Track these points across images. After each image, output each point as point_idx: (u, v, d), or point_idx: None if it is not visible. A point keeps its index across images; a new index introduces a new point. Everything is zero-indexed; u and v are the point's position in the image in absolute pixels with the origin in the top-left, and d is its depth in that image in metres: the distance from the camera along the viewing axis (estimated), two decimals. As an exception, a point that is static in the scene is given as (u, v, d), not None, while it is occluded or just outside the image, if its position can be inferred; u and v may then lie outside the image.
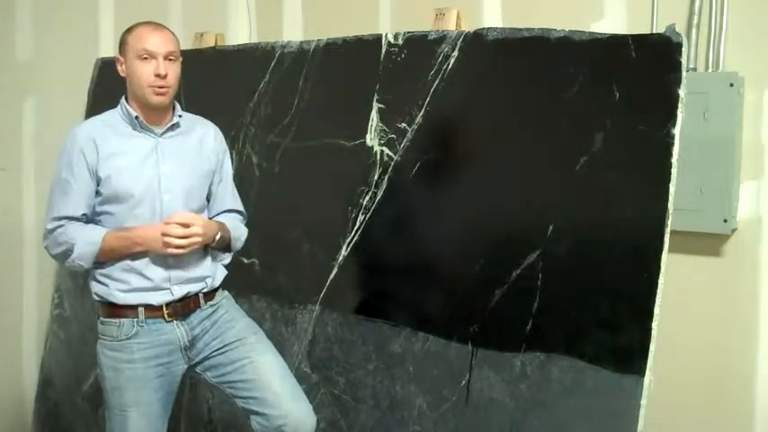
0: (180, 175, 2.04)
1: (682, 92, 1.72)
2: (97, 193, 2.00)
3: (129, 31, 2.04)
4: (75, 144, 1.99)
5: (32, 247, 3.12)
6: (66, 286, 3.04)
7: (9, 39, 3.04)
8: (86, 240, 1.97)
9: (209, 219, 2.13)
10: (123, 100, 2.06)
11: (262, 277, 2.50)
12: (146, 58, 1.97)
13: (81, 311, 2.95)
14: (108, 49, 3.16)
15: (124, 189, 1.98)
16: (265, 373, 2.06)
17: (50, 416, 3.08)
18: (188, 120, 2.12)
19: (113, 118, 2.06)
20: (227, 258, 2.17)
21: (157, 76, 1.97)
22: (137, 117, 2.01)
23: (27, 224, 3.09)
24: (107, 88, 3.07)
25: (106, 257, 1.99)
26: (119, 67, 2.04)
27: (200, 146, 2.11)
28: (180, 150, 2.06)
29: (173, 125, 2.06)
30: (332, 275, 2.33)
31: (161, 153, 2.02)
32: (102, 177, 1.98)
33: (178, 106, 2.10)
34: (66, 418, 3.02)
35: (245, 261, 2.50)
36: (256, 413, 2.04)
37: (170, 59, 2.00)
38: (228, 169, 2.21)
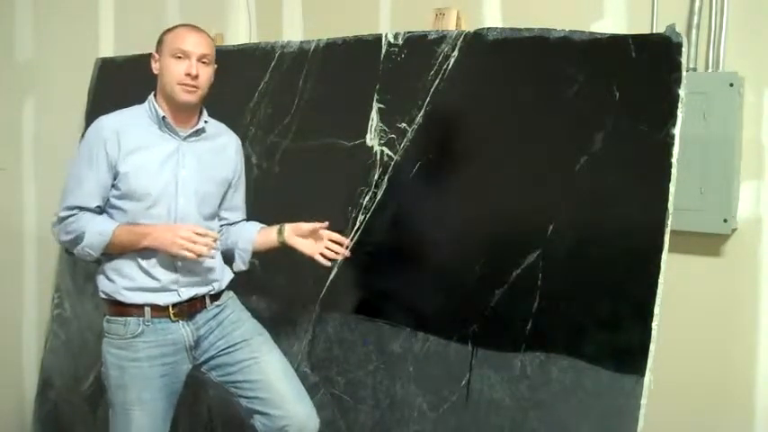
0: (197, 180, 2.04)
1: (682, 92, 1.72)
2: (114, 187, 2.00)
3: (168, 30, 2.05)
4: (99, 135, 1.99)
5: (32, 248, 3.12)
6: (66, 286, 3.04)
7: (9, 38, 3.03)
8: (97, 230, 1.96)
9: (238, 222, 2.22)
10: (152, 97, 2.06)
11: (262, 277, 2.50)
12: (180, 57, 1.99)
13: (81, 311, 2.95)
14: (108, 49, 3.16)
15: (141, 188, 1.98)
16: (270, 374, 2.07)
17: (50, 416, 3.07)
18: (213, 126, 2.13)
19: (140, 114, 2.05)
20: (245, 266, 2.20)
21: (188, 75, 1.98)
22: (163, 117, 2.02)
23: (27, 224, 3.09)
24: (107, 88, 3.07)
25: (115, 250, 1.99)
26: (153, 64, 2.05)
27: (221, 154, 2.12)
28: (200, 155, 2.06)
29: (197, 130, 2.06)
30: (332, 275, 2.33)
31: (182, 156, 2.03)
32: (120, 173, 1.97)
33: (205, 112, 2.10)
34: (67, 418, 3.02)
35: (245, 261, 2.50)
36: (260, 413, 2.05)
37: (203, 62, 2.01)
38: (243, 182, 2.23)
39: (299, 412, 2.05)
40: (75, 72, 3.10)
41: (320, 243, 2.13)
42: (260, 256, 2.49)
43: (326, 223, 2.12)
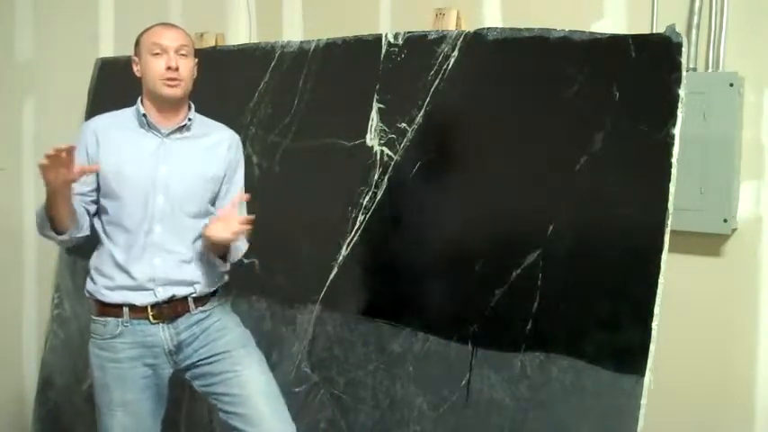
0: (178, 178, 2.03)
1: (682, 92, 1.72)
2: (97, 188, 2.02)
3: (143, 31, 2.06)
4: (82, 136, 2.04)
5: (32, 247, 3.12)
6: (66, 286, 3.04)
7: (9, 39, 3.04)
8: (39, 204, 1.96)
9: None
10: (139, 99, 2.07)
11: (262, 277, 2.50)
12: (157, 53, 1.99)
13: (81, 311, 2.95)
14: (108, 49, 3.16)
15: (118, 186, 1.99)
16: (251, 389, 2.02)
17: (50, 416, 3.07)
18: (202, 123, 2.11)
19: (125, 115, 2.08)
20: (223, 267, 2.14)
21: (168, 68, 1.98)
22: (144, 115, 2.02)
23: (27, 224, 3.09)
24: (107, 88, 3.07)
25: (52, 211, 1.91)
26: (134, 68, 2.06)
27: (210, 150, 2.10)
28: (184, 152, 2.05)
29: (180, 127, 2.05)
30: (332, 275, 2.33)
31: (163, 153, 2.02)
32: (101, 172, 1.99)
33: (193, 109, 2.09)
34: (66, 418, 3.02)
35: (245, 261, 2.49)
36: (237, 430, 2.01)
37: (182, 54, 2.01)
38: (240, 179, 2.19)
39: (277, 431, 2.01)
40: (75, 72, 3.11)
41: (232, 225, 1.97)
42: (260, 255, 2.49)
43: (247, 196, 2.05)
